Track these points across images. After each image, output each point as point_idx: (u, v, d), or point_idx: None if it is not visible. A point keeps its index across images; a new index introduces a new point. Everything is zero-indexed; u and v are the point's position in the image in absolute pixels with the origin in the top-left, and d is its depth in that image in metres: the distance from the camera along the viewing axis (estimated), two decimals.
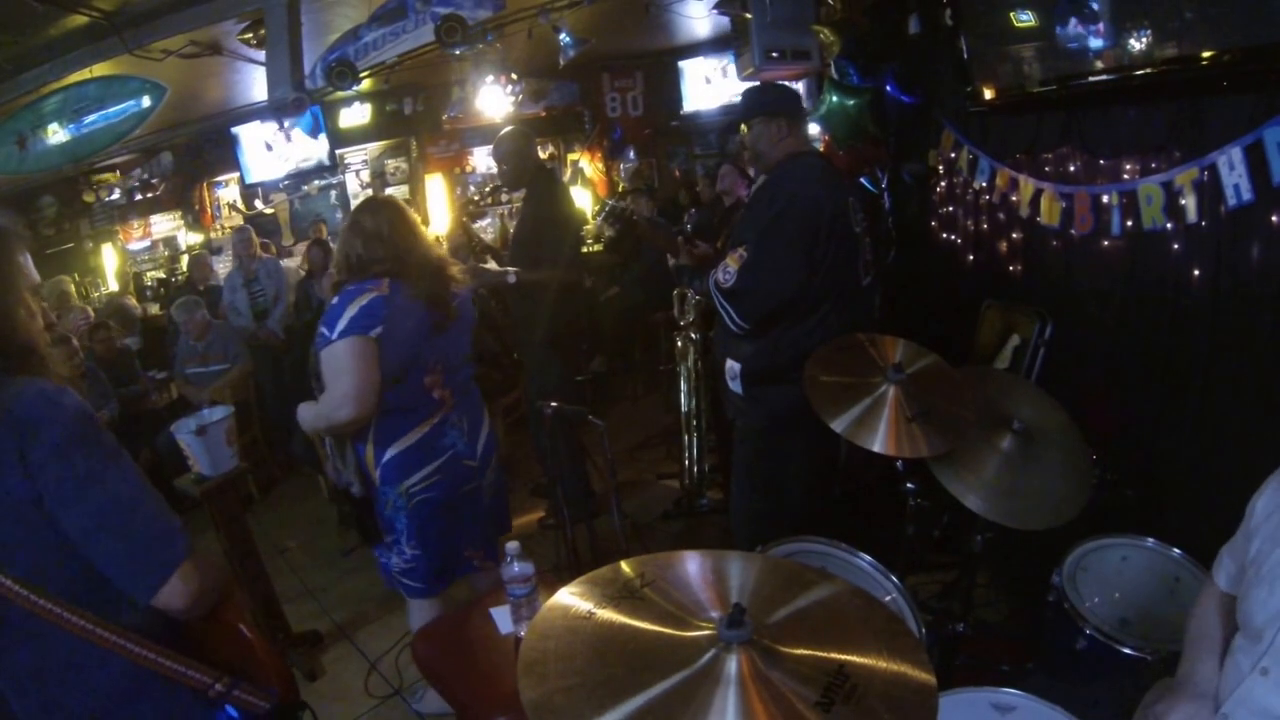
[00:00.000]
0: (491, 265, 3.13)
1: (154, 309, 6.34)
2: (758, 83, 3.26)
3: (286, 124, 5.96)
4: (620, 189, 7.32)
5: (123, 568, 1.03)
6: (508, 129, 3.23)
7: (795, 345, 2.07)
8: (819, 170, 2.15)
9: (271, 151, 6.40)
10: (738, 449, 2.39)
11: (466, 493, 2.12)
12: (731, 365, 2.21)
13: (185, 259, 6.59)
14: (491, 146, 3.32)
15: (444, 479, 2.04)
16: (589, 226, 4.37)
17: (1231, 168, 1.71)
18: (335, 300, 1.90)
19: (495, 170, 3.37)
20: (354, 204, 6.87)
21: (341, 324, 1.84)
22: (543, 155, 6.63)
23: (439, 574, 2.16)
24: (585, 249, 4.93)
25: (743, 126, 2.23)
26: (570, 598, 0.98)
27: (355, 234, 1.98)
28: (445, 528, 2.10)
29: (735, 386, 2.22)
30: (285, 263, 5.92)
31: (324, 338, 1.87)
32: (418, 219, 2.09)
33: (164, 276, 6.71)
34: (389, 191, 7.09)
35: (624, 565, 1.05)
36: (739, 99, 2.35)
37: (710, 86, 7.11)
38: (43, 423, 0.99)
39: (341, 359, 1.84)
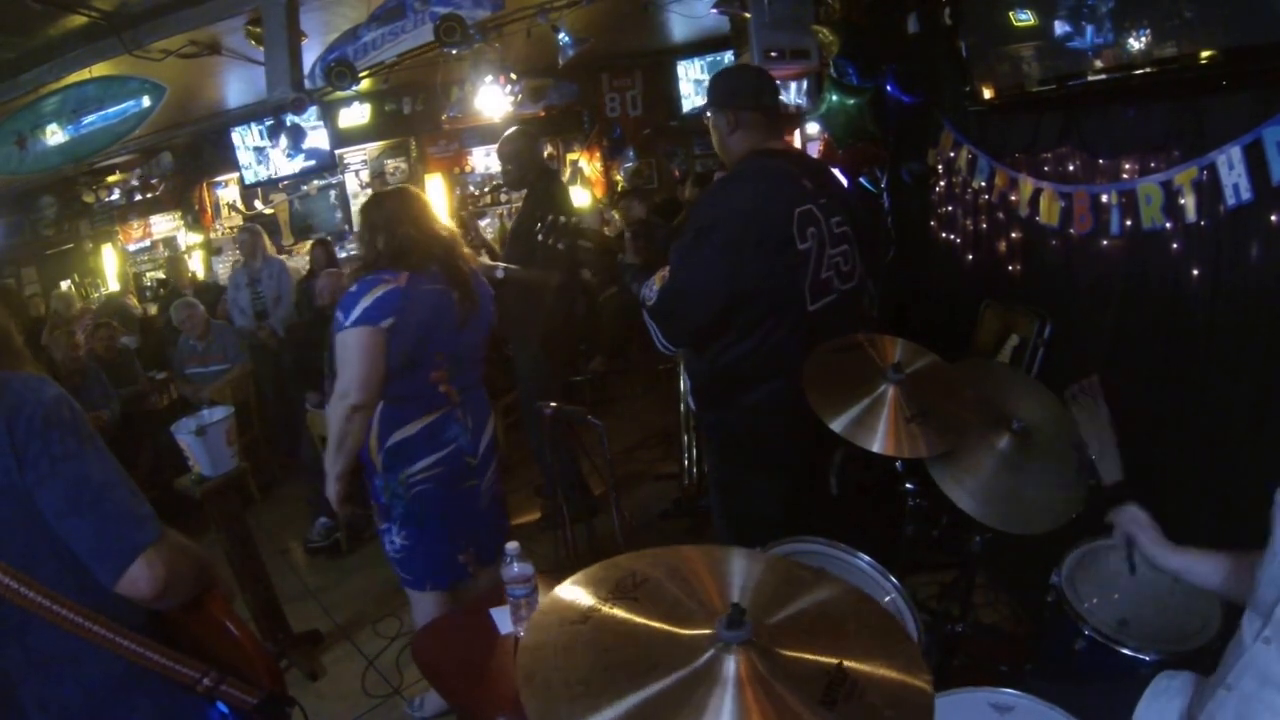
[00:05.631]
0: (485, 260, 3.13)
1: (154, 309, 6.34)
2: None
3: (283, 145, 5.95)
4: (620, 188, 7.32)
5: (90, 547, 1.04)
6: (513, 129, 3.23)
7: (734, 367, 1.93)
8: (773, 175, 1.90)
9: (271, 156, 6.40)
10: (709, 472, 2.30)
11: (464, 489, 2.15)
12: (686, 380, 2.18)
13: (184, 259, 6.60)
14: (496, 146, 3.32)
15: (444, 471, 2.08)
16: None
17: (1231, 167, 1.71)
18: (354, 287, 1.97)
19: (495, 170, 3.38)
20: (353, 204, 6.89)
21: (356, 312, 1.92)
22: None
23: (429, 570, 2.17)
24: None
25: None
26: (568, 594, 0.98)
27: (368, 227, 2.09)
28: (439, 521, 2.12)
29: (692, 403, 2.18)
30: (289, 262, 5.91)
31: (339, 323, 1.95)
32: (427, 203, 2.17)
33: (164, 277, 6.71)
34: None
35: (621, 561, 1.05)
36: None
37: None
38: (25, 404, 1.04)
39: (351, 346, 1.93)
